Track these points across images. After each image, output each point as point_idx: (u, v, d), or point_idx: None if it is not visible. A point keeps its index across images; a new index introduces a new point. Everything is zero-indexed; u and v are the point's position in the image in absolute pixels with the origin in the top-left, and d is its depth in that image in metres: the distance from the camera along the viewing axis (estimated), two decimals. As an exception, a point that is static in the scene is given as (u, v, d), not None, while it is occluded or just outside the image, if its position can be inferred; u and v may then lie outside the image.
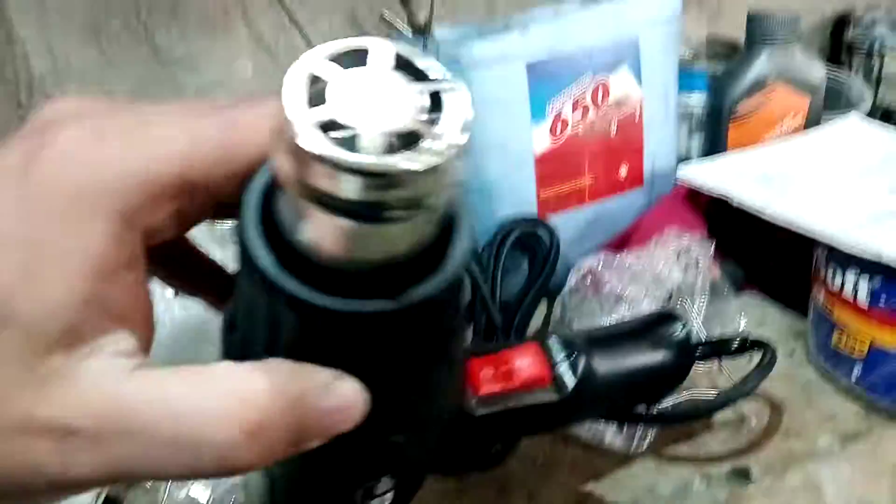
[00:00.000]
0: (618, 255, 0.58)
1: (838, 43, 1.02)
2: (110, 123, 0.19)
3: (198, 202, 0.20)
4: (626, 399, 0.45)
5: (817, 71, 0.72)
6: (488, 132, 0.63)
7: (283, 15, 0.73)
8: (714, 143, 0.77)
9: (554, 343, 0.40)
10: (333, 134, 0.16)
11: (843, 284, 0.53)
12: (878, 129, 0.70)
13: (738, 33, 0.75)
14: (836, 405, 0.55)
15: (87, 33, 0.67)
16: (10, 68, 0.65)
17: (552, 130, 0.65)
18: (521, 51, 0.61)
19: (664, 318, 0.44)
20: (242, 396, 0.18)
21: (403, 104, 0.16)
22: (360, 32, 0.77)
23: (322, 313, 0.18)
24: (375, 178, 0.16)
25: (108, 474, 0.18)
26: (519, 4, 0.81)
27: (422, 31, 0.63)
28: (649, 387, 0.45)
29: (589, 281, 0.58)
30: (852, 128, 0.70)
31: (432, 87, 0.17)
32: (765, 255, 0.67)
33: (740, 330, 0.61)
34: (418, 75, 0.17)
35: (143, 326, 0.20)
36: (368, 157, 0.16)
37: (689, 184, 0.65)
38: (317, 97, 0.16)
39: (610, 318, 0.58)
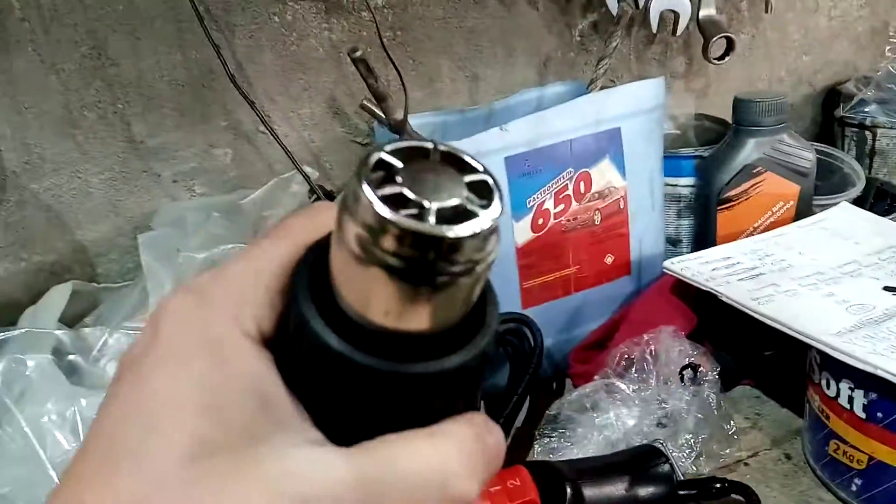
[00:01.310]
0: (620, 384, 0.56)
1: (829, 116, 1.01)
2: (198, 282, 0.22)
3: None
4: None
5: (807, 158, 0.71)
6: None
7: (264, 104, 0.72)
8: (703, 227, 0.76)
9: (544, 469, 0.39)
10: (397, 204, 0.19)
11: (838, 392, 0.50)
12: (868, 217, 0.68)
13: (727, 111, 0.74)
14: (837, 518, 0.52)
15: (62, 126, 0.66)
16: (-18, 163, 0.64)
17: (534, 223, 0.63)
18: (500, 145, 0.60)
19: (650, 453, 0.45)
20: (468, 448, 0.21)
21: (454, 187, 0.20)
22: (342, 118, 0.76)
23: (370, 372, 0.20)
24: (438, 241, 0.18)
25: None
26: (501, 90, 0.81)
27: (398, 128, 0.62)
28: None
29: (588, 405, 0.56)
30: (843, 217, 0.68)
31: (476, 176, 0.20)
32: (758, 349, 0.65)
33: (731, 431, 0.58)
34: (463, 166, 0.20)
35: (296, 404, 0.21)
36: (434, 225, 0.18)
37: (677, 276, 0.63)
38: (386, 178, 0.19)
39: (601, 438, 0.55)
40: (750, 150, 0.71)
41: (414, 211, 0.19)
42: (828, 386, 0.51)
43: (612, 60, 0.74)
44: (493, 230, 0.20)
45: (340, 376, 0.20)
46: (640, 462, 0.50)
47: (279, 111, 0.73)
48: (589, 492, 0.47)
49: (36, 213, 0.67)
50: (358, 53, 0.58)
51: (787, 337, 0.53)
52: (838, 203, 0.73)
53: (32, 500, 0.46)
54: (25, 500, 0.46)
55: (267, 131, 0.68)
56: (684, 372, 0.56)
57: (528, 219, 0.63)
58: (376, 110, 0.67)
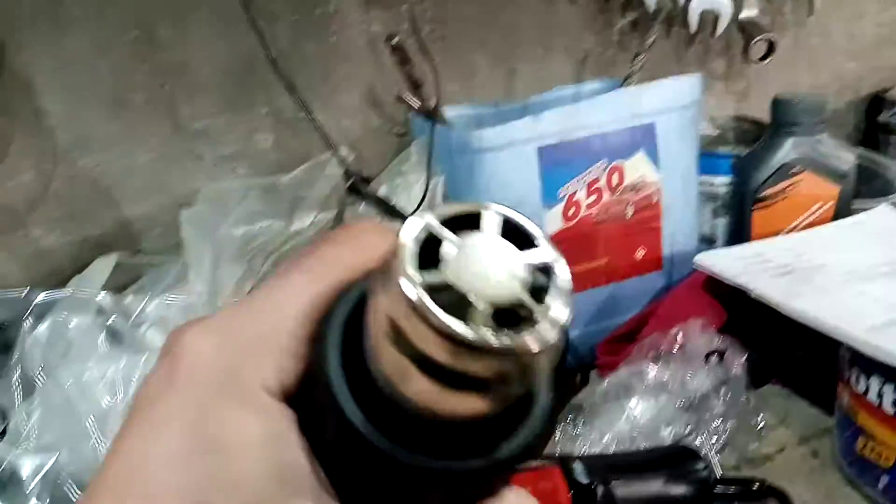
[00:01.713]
0: (646, 366, 0.56)
1: (873, 122, 1.00)
2: (220, 321, 0.20)
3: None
4: None
5: (846, 159, 0.70)
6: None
7: (305, 93, 0.74)
8: (739, 227, 0.75)
9: (577, 469, 0.40)
10: (443, 295, 0.16)
11: (867, 389, 0.50)
12: (909, 219, 0.67)
13: (767, 114, 0.74)
14: (862, 517, 0.51)
15: (111, 106, 0.68)
16: (37, 140, 0.67)
17: (565, 213, 0.64)
18: (533, 135, 0.61)
19: (687, 454, 0.45)
20: None
21: (512, 273, 0.17)
22: (379, 108, 0.78)
23: (396, 464, 0.18)
24: (484, 352, 0.16)
25: None
26: (538, 85, 0.81)
27: (432, 116, 0.64)
28: None
29: (618, 391, 0.56)
30: (882, 219, 0.67)
31: (539, 255, 0.17)
32: (788, 348, 0.64)
33: (759, 426, 0.58)
34: (524, 239, 0.18)
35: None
36: (483, 333, 0.16)
37: (708, 271, 0.63)
38: (429, 259, 0.17)
39: (630, 426, 0.55)
40: (788, 149, 0.70)
41: (459, 306, 0.16)
42: (857, 382, 0.51)
43: (651, 57, 0.74)
44: (556, 335, 0.16)
45: (364, 459, 0.18)
46: (675, 461, 0.49)
47: (318, 100, 0.75)
48: (621, 490, 0.46)
49: (84, 187, 0.70)
50: (395, 40, 0.59)
51: (818, 337, 0.53)
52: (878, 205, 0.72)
53: (72, 449, 0.48)
54: (66, 449, 0.48)
55: (306, 117, 0.70)
56: (710, 357, 0.56)
57: (559, 208, 0.63)
58: (412, 100, 0.69)
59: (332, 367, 0.18)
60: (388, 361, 0.17)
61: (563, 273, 0.17)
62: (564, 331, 0.17)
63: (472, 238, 0.17)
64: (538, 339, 0.16)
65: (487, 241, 0.17)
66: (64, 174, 0.69)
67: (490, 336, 0.16)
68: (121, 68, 0.68)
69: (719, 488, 0.49)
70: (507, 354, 0.16)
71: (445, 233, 0.17)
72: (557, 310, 0.16)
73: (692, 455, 0.49)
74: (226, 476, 0.18)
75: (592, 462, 0.48)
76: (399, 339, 0.16)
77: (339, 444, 0.19)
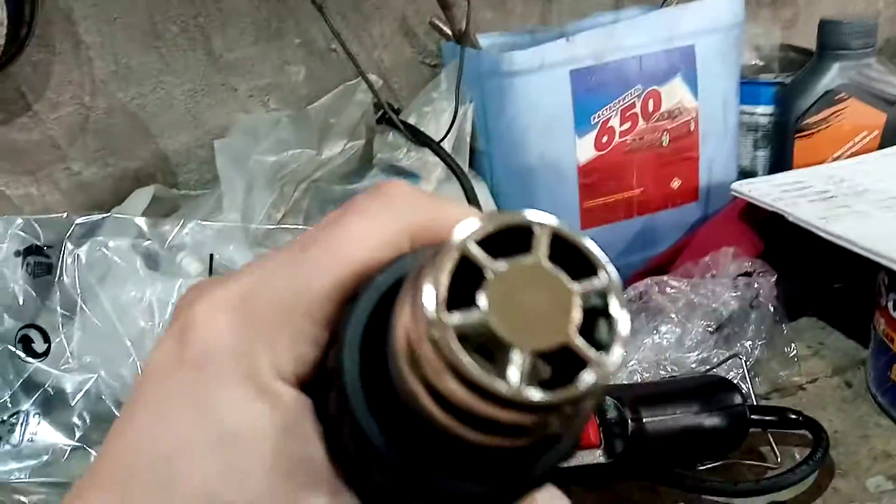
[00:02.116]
0: (672, 280, 0.56)
1: (931, 53, 0.95)
2: (233, 291, 0.19)
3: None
4: (675, 462, 0.44)
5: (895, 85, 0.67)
6: (530, 140, 0.61)
7: (335, 23, 0.73)
8: (780, 158, 0.73)
9: (607, 402, 0.39)
10: (478, 336, 0.14)
11: (904, 313, 0.49)
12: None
13: (815, 42, 0.70)
14: (893, 442, 0.50)
15: (147, 38, 0.69)
16: (76, 72, 0.68)
17: (597, 141, 0.62)
18: (566, 58, 0.59)
19: (721, 384, 0.44)
20: None
21: (561, 311, 0.15)
22: (412, 38, 0.77)
23: (409, 480, 0.17)
24: (519, 406, 0.14)
25: None
26: (574, 12, 0.79)
27: (463, 40, 0.62)
28: (699, 451, 0.44)
29: (641, 301, 0.56)
30: (931, 144, 0.64)
31: (594, 283, 0.15)
32: (824, 278, 0.63)
33: (792, 353, 0.57)
34: (578, 262, 0.15)
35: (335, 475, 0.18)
36: (520, 389, 0.14)
37: (745, 198, 0.61)
38: (463, 291, 0.15)
39: (655, 339, 0.55)
40: (834, 75, 0.67)
41: (495, 349, 0.14)
42: (895, 308, 0.50)
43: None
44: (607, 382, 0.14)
45: (377, 469, 0.17)
46: (707, 391, 0.47)
47: (350, 30, 0.75)
48: (652, 423, 0.44)
49: (122, 120, 0.71)
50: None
51: (855, 268, 0.52)
52: (929, 134, 0.69)
53: (111, 369, 0.50)
54: (106, 370, 0.50)
55: (338, 47, 0.69)
56: (739, 279, 0.55)
57: (591, 136, 0.62)
58: (444, 27, 0.68)
59: (350, 378, 0.17)
60: (410, 386, 0.15)
61: (620, 309, 0.15)
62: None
63: (518, 267, 0.15)
64: (586, 388, 0.14)
65: (534, 271, 0.15)
66: (102, 107, 0.70)
67: (529, 392, 0.14)
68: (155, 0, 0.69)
69: (755, 415, 0.47)
70: (546, 409, 0.14)
71: (487, 261, 0.15)
72: (613, 354, 0.14)
73: (726, 386, 0.47)
74: (238, 469, 0.17)
75: (622, 393, 0.46)
76: (423, 374, 0.15)
77: (354, 450, 0.17)
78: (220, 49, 0.72)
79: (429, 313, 0.14)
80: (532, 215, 0.15)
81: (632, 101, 0.62)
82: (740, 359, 0.53)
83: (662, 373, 0.53)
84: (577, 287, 0.15)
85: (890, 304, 0.50)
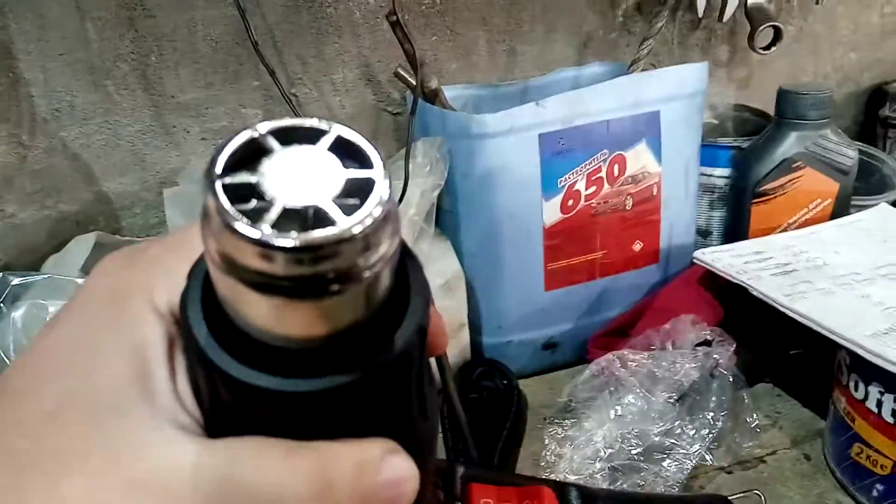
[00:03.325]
0: (633, 353, 0.55)
1: (873, 116, 0.99)
2: (140, 246, 0.22)
3: None
4: None
5: (849, 155, 0.68)
6: (498, 202, 0.60)
7: (296, 67, 0.71)
8: (736, 220, 0.74)
9: (572, 494, 0.36)
10: (252, 204, 0.16)
11: (866, 395, 0.49)
12: (910, 220, 0.66)
13: (768, 104, 0.72)
14: (854, 523, 0.51)
15: (94, 76, 0.65)
16: (14, 109, 0.64)
17: (563, 204, 0.62)
18: (535, 121, 0.59)
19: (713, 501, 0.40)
20: (331, 477, 0.19)
21: (326, 184, 0.17)
22: (375, 85, 0.75)
23: (263, 393, 0.18)
24: (263, 248, 0.16)
25: None
26: (538, 66, 0.79)
27: (431, 98, 0.61)
28: None
29: (603, 376, 0.55)
30: (882, 218, 0.66)
31: (362, 172, 0.17)
32: (782, 347, 0.63)
33: (754, 423, 0.57)
34: (356, 158, 0.18)
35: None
36: (271, 235, 0.16)
37: (708, 268, 0.62)
38: (247, 164, 0.17)
39: (618, 412, 0.54)
40: (791, 144, 0.69)
41: (256, 206, 0.16)
42: (856, 388, 0.50)
43: (655, 42, 0.72)
44: (360, 236, 0.16)
45: (225, 389, 0.18)
46: None
47: (311, 74, 0.72)
48: None
49: (63, 161, 0.67)
50: (395, 17, 0.57)
51: (813, 336, 0.52)
52: (877, 204, 0.71)
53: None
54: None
55: (298, 92, 0.67)
56: (699, 348, 0.55)
57: (558, 199, 0.62)
58: (409, 78, 0.66)
59: (190, 300, 0.19)
60: (218, 282, 0.18)
61: (381, 184, 0.17)
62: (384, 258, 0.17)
63: (299, 150, 0.17)
64: (323, 238, 0.16)
65: (310, 152, 0.17)
66: (42, 146, 0.66)
67: (277, 238, 0.16)
68: (105, 36, 0.65)
69: None
70: (298, 250, 0.16)
71: (269, 140, 0.17)
72: (365, 211, 0.16)
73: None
74: (91, 371, 0.19)
75: (592, 492, 0.43)
76: (208, 244, 0.17)
77: (196, 369, 0.19)
78: (173, 90, 0.69)
79: (212, 176, 0.16)
80: (321, 120, 0.18)
81: (598, 165, 0.62)
82: (693, 428, 0.53)
83: (626, 447, 0.53)
84: (345, 171, 0.17)
85: (851, 385, 0.50)
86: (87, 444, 0.18)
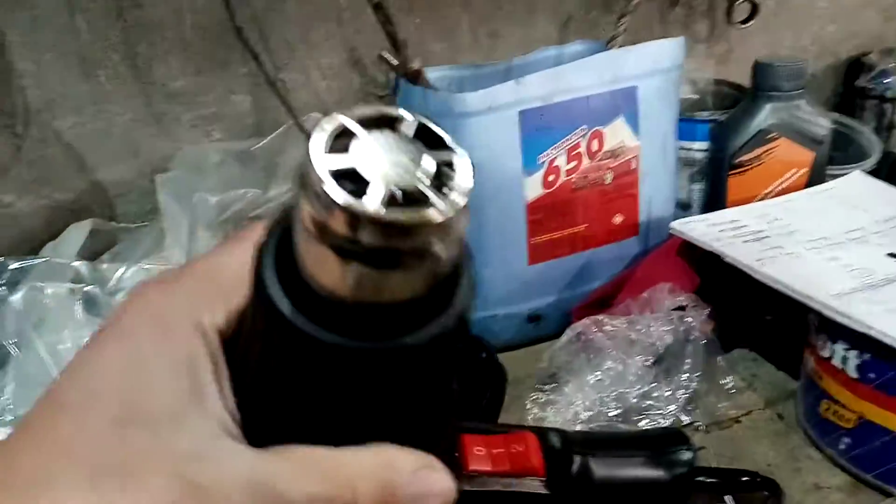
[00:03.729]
0: (610, 318, 0.57)
1: (851, 87, 1.00)
2: (165, 275, 0.24)
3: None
4: None
5: (823, 125, 0.70)
6: (481, 179, 0.62)
7: (283, 53, 0.73)
8: (715, 192, 0.76)
9: (553, 438, 0.38)
10: (348, 184, 0.18)
11: (832, 354, 0.51)
12: (880, 187, 0.68)
13: (747, 78, 0.74)
14: (823, 475, 0.53)
15: (86, 66, 0.67)
16: (7, 100, 0.66)
17: (545, 179, 0.64)
18: (515, 99, 0.61)
19: (673, 436, 0.42)
20: (340, 483, 0.21)
21: (416, 167, 0.18)
22: (361, 69, 0.77)
23: (334, 350, 0.19)
24: (370, 225, 0.17)
25: None
26: (521, 47, 0.80)
27: (413, 78, 0.63)
28: (643, 500, 0.42)
29: (581, 341, 0.57)
30: (854, 185, 0.68)
31: (444, 155, 0.19)
32: (758, 313, 0.66)
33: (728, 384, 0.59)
34: (434, 143, 0.19)
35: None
36: (369, 206, 0.17)
37: (684, 237, 0.64)
38: (340, 149, 0.18)
39: (597, 376, 0.57)
40: (766, 115, 0.70)
41: (357, 188, 0.18)
42: (823, 347, 0.52)
43: (634, 19, 0.74)
44: (450, 218, 0.18)
45: (284, 347, 0.20)
46: (658, 444, 0.44)
47: (298, 60, 0.74)
48: (597, 466, 0.42)
49: (58, 150, 0.69)
50: (377, 0, 0.58)
51: (787, 302, 0.54)
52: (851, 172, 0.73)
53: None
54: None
55: (286, 77, 0.69)
56: (674, 313, 0.57)
57: (539, 175, 0.64)
58: (393, 61, 0.68)
59: (266, 265, 0.20)
60: (306, 251, 0.19)
61: (465, 170, 0.19)
62: (462, 241, 0.19)
63: (385, 135, 0.19)
64: (430, 215, 0.18)
65: (399, 140, 0.19)
66: (36, 137, 0.68)
67: (380, 207, 0.17)
68: (95, 26, 0.67)
69: (702, 477, 0.47)
70: (396, 227, 0.17)
71: (358, 128, 0.18)
72: (455, 196, 0.18)
73: (679, 439, 0.44)
74: (147, 385, 0.20)
75: (570, 435, 0.44)
76: (307, 221, 0.18)
77: (266, 340, 0.20)
78: (163, 78, 0.71)
79: (312, 159, 0.18)
80: (402, 110, 0.19)
81: (577, 140, 0.64)
82: (669, 389, 0.55)
83: (605, 410, 0.55)
84: (431, 154, 0.19)
85: (819, 344, 0.53)
86: (152, 453, 0.20)
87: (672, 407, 0.55)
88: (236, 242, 0.23)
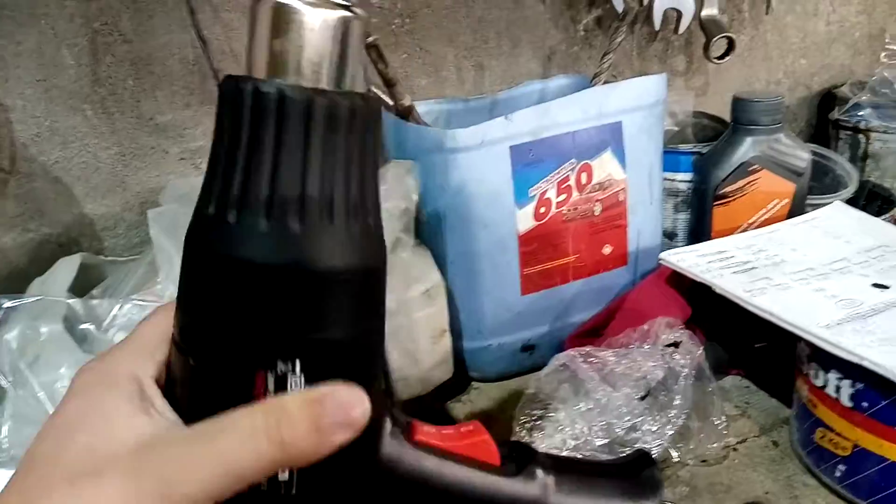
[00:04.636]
0: (595, 350, 0.58)
1: (825, 118, 1.03)
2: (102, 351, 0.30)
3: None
4: None
5: (803, 157, 0.72)
6: (473, 212, 0.63)
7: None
8: (699, 222, 0.77)
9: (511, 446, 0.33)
10: None
11: (825, 383, 0.52)
12: (860, 216, 0.70)
13: (725, 110, 0.76)
14: (820, 503, 0.54)
15: (73, 100, 0.66)
16: (-7, 134, 0.65)
17: (536, 212, 0.65)
18: (506, 134, 0.61)
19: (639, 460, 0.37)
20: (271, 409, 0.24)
21: None
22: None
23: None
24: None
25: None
26: (505, 80, 0.82)
27: (404, 114, 0.64)
28: None
29: (567, 371, 0.58)
30: (835, 216, 0.70)
31: None
32: (749, 340, 0.67)
33: (721, 424, 0.59)
34: None
35: None
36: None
37: (673, 268, 0.65)
38: None
39: (587, 405, 0.57)
40: (747, 148, 0.72)
41: None
42: (816, 376, 0.53)
43: (616, 56, 0.75)
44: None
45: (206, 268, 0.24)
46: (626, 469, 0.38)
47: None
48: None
49: (44, 185, 0.68)
50: (370, 39, 0.59)
51: (776, 329, 0.55)
52: (830, 202, 0.75)
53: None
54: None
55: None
56: (666, 349, 0.58)
57: (530, 207, 0.64)
58: (383, 96, 0.69)
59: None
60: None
61: None
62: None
63: None
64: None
65: None
66: (23, 171, 0.67)
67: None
68: (82, 61, 0.67)
69: None
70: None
71: None
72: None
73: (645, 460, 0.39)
74: (101, 425, 0.25)
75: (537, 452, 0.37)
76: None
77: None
78: (151, 111, 0.70)
79: None
80: None
81: (566, 174, 0.65)
82: (658, 424, 0.55)
83: (592, 439, 0.55)
84: None
85: (811, 373, 0.54)
86: (109, 461, 0.24)
87: (657, 442, 0.56)
88: (157, 313, 0.29)
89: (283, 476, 0.25)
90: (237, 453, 0.23)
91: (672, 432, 0.56)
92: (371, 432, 0.25)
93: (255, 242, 0.23)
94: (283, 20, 0.24)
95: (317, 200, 0.23)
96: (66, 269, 0.61)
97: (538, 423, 0.57)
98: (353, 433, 0.24)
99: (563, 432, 0.56)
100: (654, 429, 0.57)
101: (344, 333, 0.25)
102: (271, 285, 0.24)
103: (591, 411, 0.57)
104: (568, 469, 0.32)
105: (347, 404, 0.24)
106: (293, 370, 0.24)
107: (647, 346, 0.59)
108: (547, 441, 0.55)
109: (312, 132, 0.23)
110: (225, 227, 0.23)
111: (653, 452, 0.55)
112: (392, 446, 0.28)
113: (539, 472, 0.31)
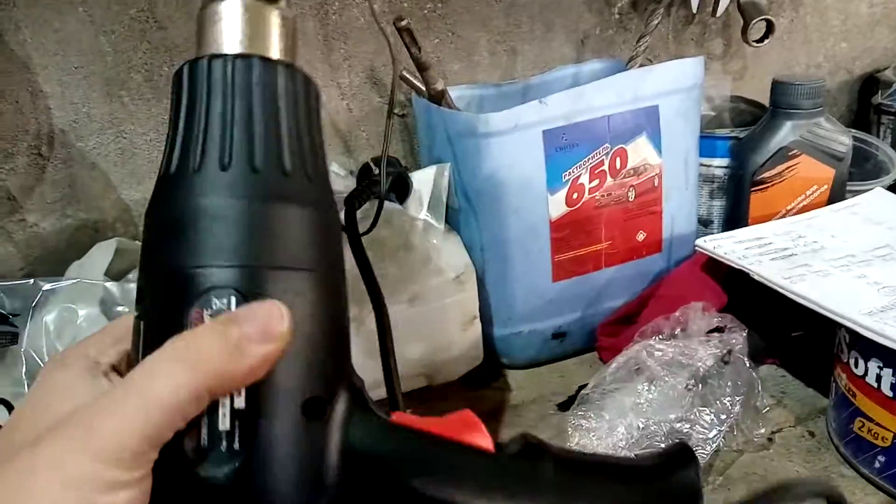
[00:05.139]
0: (658, 342, 0.57)
1: (866, 103, 1.01)
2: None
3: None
4: None
5: (843, 142, 0.70)
6: (505, 197, 0.62)
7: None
8: (736, 209, 0.76)
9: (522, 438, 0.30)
10: None
11: (866, 371, 0.51)
12: (904, 203, 0.68)
13: (763, 94, 0.74)
14: (858, 494, 0.53)
15: (110, 87, 0.67)
16: (33, 121, 0.66)
17: (569, 197, 0.64)
18: (539, 119, 0.61)
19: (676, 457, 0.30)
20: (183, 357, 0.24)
21: None
22: (380, 88, 0.77)
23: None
24: None
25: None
26: (538, 65, 0.81)
27: (436, 99, 0.63)
28: None
29: (633, 365, 0.57)
30: (877, 202, 0.68)
31: None
32: (785, 329, 0.66)
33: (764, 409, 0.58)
34: None
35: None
36: None
37: (710, 254, 0.64)
38: None
39: (638, 399, 0.55)
40: (786, 133, 0.71)
41: None
42: (856, 365, 0.52)
43: (651, 39, 0.74)
44: None
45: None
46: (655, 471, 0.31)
47: (319, 80, 0.74)
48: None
49: (81, 171, 0.69)
50: (403, 23, 0.59)
51: (814, 318, 0.54)
52: (871, 189, 0.73)
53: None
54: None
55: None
56: (713, 335, 0.57)
57: (562, 193, 0.64)
58: (415, 81, 0.68)
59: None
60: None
61: None
62: None
63: None
64: None
65: None
66: (61, 157, 0.68)
67: None
68: (119, 48, 0.67)
69: None
70: None
71: None
72: None
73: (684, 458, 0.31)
74: (50, 403, 0.26)
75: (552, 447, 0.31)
76: None
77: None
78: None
79: None
80: None
81: (600, 158, 0.64)
82: (711, 414, 0.54)
83: (648, 435, 0.54)
84: None
85: (851, 362, 0.52)
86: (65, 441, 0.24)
87: (714, 432, 0.55)
88: (106, 329, 0.30)
89: (224, 425, 0.24)
90: (156, 387, 0.23)
91: (728, 421, 0.55)
92: (303, 378, 0.25)
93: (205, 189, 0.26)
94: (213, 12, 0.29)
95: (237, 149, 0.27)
96: (102, 253, 0.62)
97: (592, 424, 0.55)
98: (274, 347, 0.24)
99: (619, 431, 0.55)
100: (709, 419, 0.56)
101: (276, 263, 0.26)
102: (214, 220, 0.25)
103: (640, 406, 0.56)
104: (581, 470, 0.29)
105: (264, 318, 0.24)
106: (228, 307, 0.24)
107: (691, 334, 0.58)
108: (603, 442, 0.53)
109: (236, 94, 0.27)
110: (181, 182, 0.26)
111: (712, 443, 0.54)
112: (357, 424, 0.27)
113: (541, 465, 0.28)
